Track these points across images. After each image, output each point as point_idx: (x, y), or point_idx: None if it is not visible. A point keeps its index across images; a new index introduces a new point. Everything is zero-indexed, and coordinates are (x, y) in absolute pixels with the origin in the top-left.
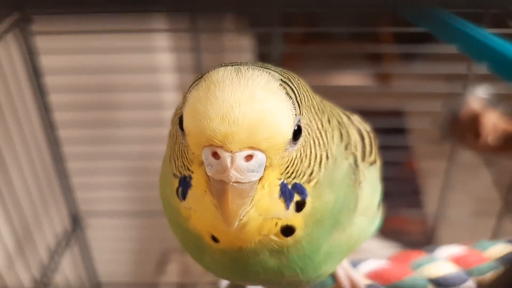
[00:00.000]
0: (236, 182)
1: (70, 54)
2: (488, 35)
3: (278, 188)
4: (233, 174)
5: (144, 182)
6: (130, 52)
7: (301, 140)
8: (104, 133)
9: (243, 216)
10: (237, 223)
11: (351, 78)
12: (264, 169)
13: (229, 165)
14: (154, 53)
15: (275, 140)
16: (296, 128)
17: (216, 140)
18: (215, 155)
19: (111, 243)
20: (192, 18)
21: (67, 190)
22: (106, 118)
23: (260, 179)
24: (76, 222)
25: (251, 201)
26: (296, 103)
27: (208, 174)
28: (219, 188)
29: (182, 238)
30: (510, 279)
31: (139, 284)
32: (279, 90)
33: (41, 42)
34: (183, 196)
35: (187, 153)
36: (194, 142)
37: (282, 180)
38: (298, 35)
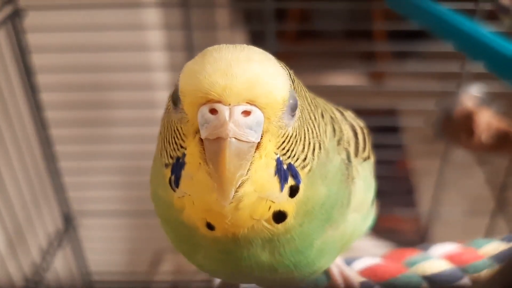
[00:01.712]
0: (235, 138)
1: (62, 52)
2: (483, 31)
3: (274, 163)
4: (231, 128)
5: (137, 182)
6: (125, 50)
7: (296, 116)
8: (96, 132)
9: (238, 187)
10: (232, 192)
11: (344, 77)
12: (262, 135)
13: (227, 118)
14: (149, 51)
15: (272, 97)
16: (292, 101)
17: (214, 93)
18: (213, 111)
19: (104, 243)
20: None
21: (59, 190)
22: (99, 116)
23: (258, 147)
24: (68, 221)
25: (248, 170)
26: (291, 79)
27: (204, 136)
28: (216, 148)
29: (175, 236)
30: (505, 277)
31: (132, 283)
32: (275, 59)
33: (33, 39)
34: (176, 183)
35: (181, 129)
36: (190, 101)
37: (278, 156)
38: (291, 32)
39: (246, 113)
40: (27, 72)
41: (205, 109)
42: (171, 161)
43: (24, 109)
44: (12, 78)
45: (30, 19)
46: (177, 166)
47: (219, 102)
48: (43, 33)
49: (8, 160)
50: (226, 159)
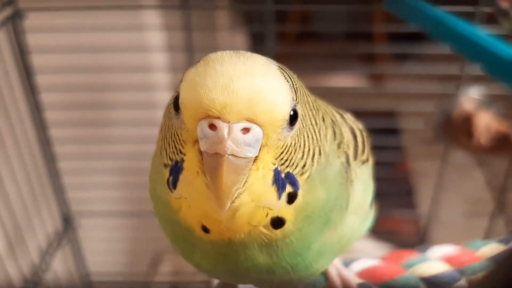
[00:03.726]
0: (232, 155)
1: (62, 53)
2: (482, 34)
3: (272, 174)
4: (230, 145)
5: (137, 182)
6: (125, 51)
7: (296, 127)
8: (96, 132)
9: (235, 199)
10: (229, 204)
11: (344, 79)
12: (260, 148)
13: (226, 136)
14: (149, 52)
15: (273, 115)
16: (292, 113)
17: (214, 110)
18: (212, 127)
19: (103, 244)
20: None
21: (58, 190)
22: (99, 117)
23: (255, 160)
24: (67, 222)
25: (245, 183)
26: (293, 90)
27: (203, 149)
28: (214, 162)
29: (172, 235)
30: (499, 277)
31: (131, 284)
32: (278, 71)
33: (33, 40)
34: (174, 184)
35: (180, 135)
36: (190, 115)
37: (276, 166)
38: (292, 34)
39: (245, 130)
40: (27, 73)
41: (204, 124)
42: (170, 162)
43: (23, 110)
44: (12, 78)
45: (30, 20)
46: (176, 169)
47: (218, 118)
48: (43, 34)
49: (8, 160)
50: (223, 174)
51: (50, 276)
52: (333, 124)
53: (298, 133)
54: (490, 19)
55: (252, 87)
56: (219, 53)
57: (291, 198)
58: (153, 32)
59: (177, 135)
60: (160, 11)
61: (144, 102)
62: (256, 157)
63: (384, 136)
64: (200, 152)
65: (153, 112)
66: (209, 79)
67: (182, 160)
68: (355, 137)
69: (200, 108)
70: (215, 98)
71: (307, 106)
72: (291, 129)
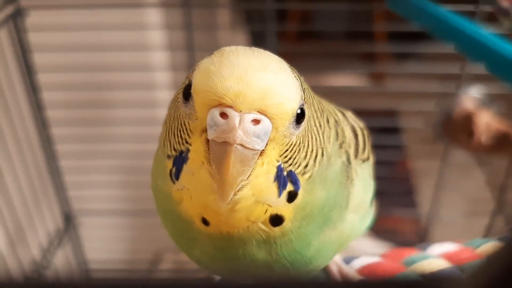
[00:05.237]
0: (241, 145)
1: (64, 51)
2: (485, 33)
3: (275, 170)
4: (239, 135)
5: (138, 181)
6: (126, 49)
7: (302, 126)
8: (97, 131)
9: (238, 191)
10: (231, 195)
11: (345, 78)
12: (267, 143)
13: (237, 125)
14: (150, 51)
15: (283, 108)
16: (300, 111)
17: (227, 98)
18: (223, 115)
19: (104, 242)
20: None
21: (59, 189)
22: (100, 116)
23: (261, 154)
24: (68, 220)
25: (249, 176)
26: (302, 90)
27: (211, 137)
28: (221, 151)
29: (173, 229)
30: (491, 271)
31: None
32: (289, 69)
33: (34, 38)
34: (177, 175)
35: (188, 124)
36: (202, 102)
37: (279, 163)
38: (292, 33)
39: (256, 121)
40: (28, 71)
41: (216, 112)
42: (174, 153)
43: (25, 108)
44: (13, 77)
45: (32, 19)
46: (180, 160)
47: (230, 107)
48: (44, 33)
49: (9, 159)
50: (230, 163)
51: (51, 274)
52: (336, 124)
53: (303, 133)
54: (491, 18)
55: (265, 80)
56: (233, 47)
57: (291, 197)
58: (154, 30)
59: (184, 124)
60: (161, 9)
61: (145, 101)
62: (262, 151)
63: (384, 135)
64: (207, 142)
65: (153, 111)
66: (225, 68)
67: (188, 150)
68: (356, 135)
69: (213, 95)
70: (230, 87)
71: (313, 108)
72: (298, 127)
